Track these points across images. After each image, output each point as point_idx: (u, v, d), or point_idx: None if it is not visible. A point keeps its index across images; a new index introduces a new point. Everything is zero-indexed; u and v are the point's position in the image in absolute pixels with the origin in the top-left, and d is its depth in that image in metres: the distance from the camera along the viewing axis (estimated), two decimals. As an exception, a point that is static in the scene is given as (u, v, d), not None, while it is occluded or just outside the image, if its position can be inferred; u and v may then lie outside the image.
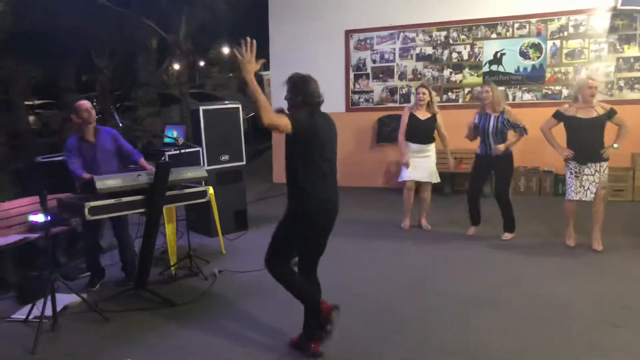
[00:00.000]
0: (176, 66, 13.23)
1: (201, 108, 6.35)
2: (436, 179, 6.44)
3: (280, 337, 3.80)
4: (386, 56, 9.35)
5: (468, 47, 8.83)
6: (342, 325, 3.51)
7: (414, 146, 6.35)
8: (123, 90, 19.61)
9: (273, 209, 7.89)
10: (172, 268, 5.11)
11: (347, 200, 8.34)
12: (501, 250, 5.65)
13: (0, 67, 14.71)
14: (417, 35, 9.12)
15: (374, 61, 9.43)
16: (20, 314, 4.31)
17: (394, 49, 9.29)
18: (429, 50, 9.07)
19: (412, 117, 6.36)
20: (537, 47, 8.43)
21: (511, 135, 5.90)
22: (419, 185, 6.52)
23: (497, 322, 3.93)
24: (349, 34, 9.52)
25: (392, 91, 9.38)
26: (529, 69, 8.49)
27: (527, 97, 8.54)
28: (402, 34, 9.21)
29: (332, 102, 9.60)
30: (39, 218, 5.55)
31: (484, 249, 5.70)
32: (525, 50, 8.49)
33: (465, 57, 8.86)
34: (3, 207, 5.64)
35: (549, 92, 8.43)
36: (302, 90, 3.48)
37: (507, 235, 6.02)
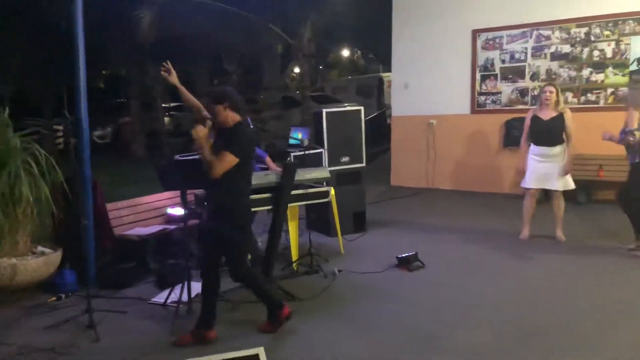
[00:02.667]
0: (298, 69, 13.80)
1: (324, 110, 6.62)
2: (565, 186, 6.07)
3: (395, 338, 3.89)
4: (517, 56, 9.00)
5: (612, 43, 8.22)
6: (469, 337, 3.52)
7: (537, 149, 6.06)
8: (249, 93, 20.86)
9: (390, 212, 7.98)
10: (294, 264, 5.41)
11: (472, 207, 8.21)
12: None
13: (145, 73, 16.44)
14: (553, 33, 8.67)
15: (503, 61, 9.13)
16: (159, 298, 4.83)
17: (526, 47, 8.92)
18: (565, 48, 8.59)
19: (535, 118, 6.08)
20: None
21: None
22: (547, 192, 6.21)
23: None
24: (476, 33, 9.31)
25: (523, 92, 9.01)
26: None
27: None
28: (535, 31, 8.82)
29: (456, 104, 9.51)
30: (177, 211, 6.17)
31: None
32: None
33: (609, 54, 8.26)
34: (146, 201, 6.36)
35: None
36: (232, 96, 3.81)
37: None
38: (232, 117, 3.78)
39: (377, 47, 17.59)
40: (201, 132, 3.64)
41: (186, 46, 12.33)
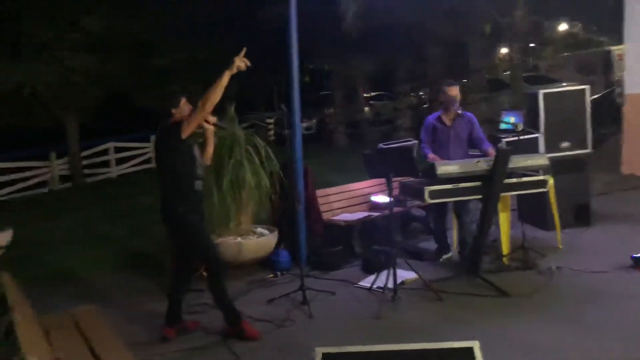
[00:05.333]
0: (505, 50, 13.07)
1: (540, 92, 6.21)
2: None
3: (627, 350, 3.48)
4: None
5: None
6: None
7: None
8: (451, 78, 20.43)
9: (622, 204, 7.11)
10: (505, 258, 5.18)
11: None
12: None
13: (349, 65, 17.23)
14: None
15: None
16: (366, 282, 5.05)
17: None
18: None
19: None
20: None
21: None
22: None
23: None
24: None
25: None
26: None
27: None
28: None
29: None
30: (381, 199, 6.37)
31: None
32: None
33: None
34: (351, 188, 6.68)
35: None
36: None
37: None
38: None
39: (602, 16, 15.77)
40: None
41: (389, 35, 12.55)
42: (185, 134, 3.96)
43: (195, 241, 4.16)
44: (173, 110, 4.10)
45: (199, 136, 4.50)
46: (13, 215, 8.76)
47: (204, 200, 4.40)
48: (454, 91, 5.35)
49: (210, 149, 4.37)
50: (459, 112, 5.36)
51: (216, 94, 3.84)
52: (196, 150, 4.22)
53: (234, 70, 3.86)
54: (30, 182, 12.87)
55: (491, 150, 5.15)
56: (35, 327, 3.02)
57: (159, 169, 4.24)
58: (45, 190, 13.09)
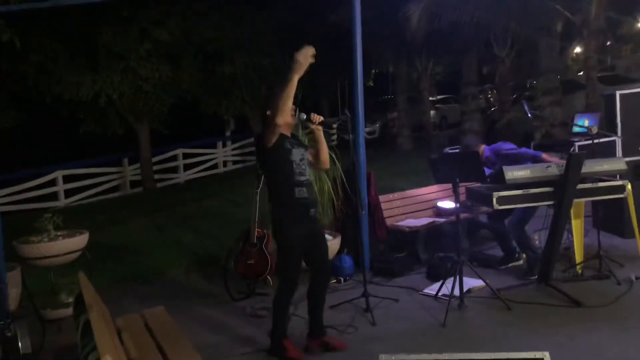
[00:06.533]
0: (578, 49, 12.51)
1: (618, 93, 5.98)
2: None
3: None
4: None
5: None
6: None
7: None
8: (519, 79, 19.82)
9: None
10: (578, 267, 4.98)
11: None
12: None
13: (413, 68, 17.09)
14: None
15: None
16: (431, 290, 4.99)
17: None
18: None
19: None
20: None
21: None
22: None
23: None
24: None
25: None
26: None
27: None
28: None
29: None
30: (447, 204, 6.28)
31: None
32: None
33: None
34: (416, 193, 6.63)
35: None
36: None
37: None
38: None
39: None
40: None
41: (455, 36, 12.35)
42: (268, 144, 3.81)
43: (280, 255, 4.00)
44: (268, 112, 3.87)
45: (312, 140, 4.34)
46: (88, 219, 9.24)
47: (316, 207, 4.10)
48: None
49: (323, 152, 4.07)
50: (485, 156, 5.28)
51: (285, 101, 3.65)
52: (300, 155, 3.92)
53: (300, 71, 3.63)
54: (104, 187, 13.57)
55: (545, 156, 4.96)
56: (110, 327, 3.14)
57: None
58: (117, 195, 13.77)
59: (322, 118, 4.02)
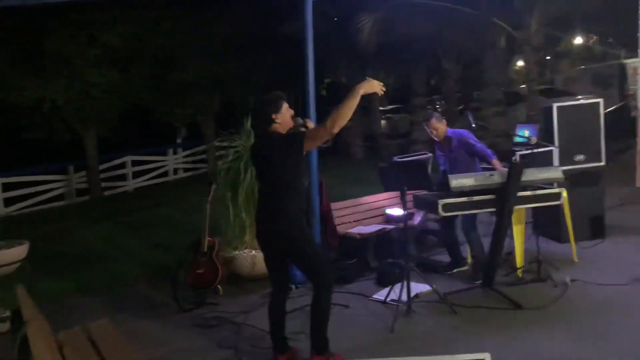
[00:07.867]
0: (521, 63, 13.05)
1: (555, 105, 6.24)
2: None
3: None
4: None
5: None
6: None
7: None
8: (466, 91, 20.44)
9: (636, 217, 7.10)
10: (519, 271, 5.19)
11: None
12: None
13: (365, 78, 17.31)
14: None
15: None
16: (380, 295, 5.08)
17: None
18: None
19: None
20: None
21: None
22: None
23: None
24: None
25: None
26: None
27: None
28: None
29: None
30: (395, 212, 6.41)
31: None
32: None
33: None
34: (366, 201, 6.73)
35: None
36: None
37: None
38: None
39: (618, 29, 15.73)
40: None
41: (405, 49, 12.66)
42: (306, 149, 3.69)
43: (311, 258, 3.77)
44: (273, 116, 3.73)
45: None
46: (31, 229, 8.93)
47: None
48: (432, 125, 5.47)
49: None
50: (447, 136, 5.47)
51: (347, 114, 3.59)
52: None
53: (369, 91, 3.77)
54: (48, 195, 13.13)
55: (495, 162, 5.21)
56: (50, 342, 3.00)
57: (265, 177, 3.85)
58: (62, 203, 13.34)
59: (313, 124, 4.08)
